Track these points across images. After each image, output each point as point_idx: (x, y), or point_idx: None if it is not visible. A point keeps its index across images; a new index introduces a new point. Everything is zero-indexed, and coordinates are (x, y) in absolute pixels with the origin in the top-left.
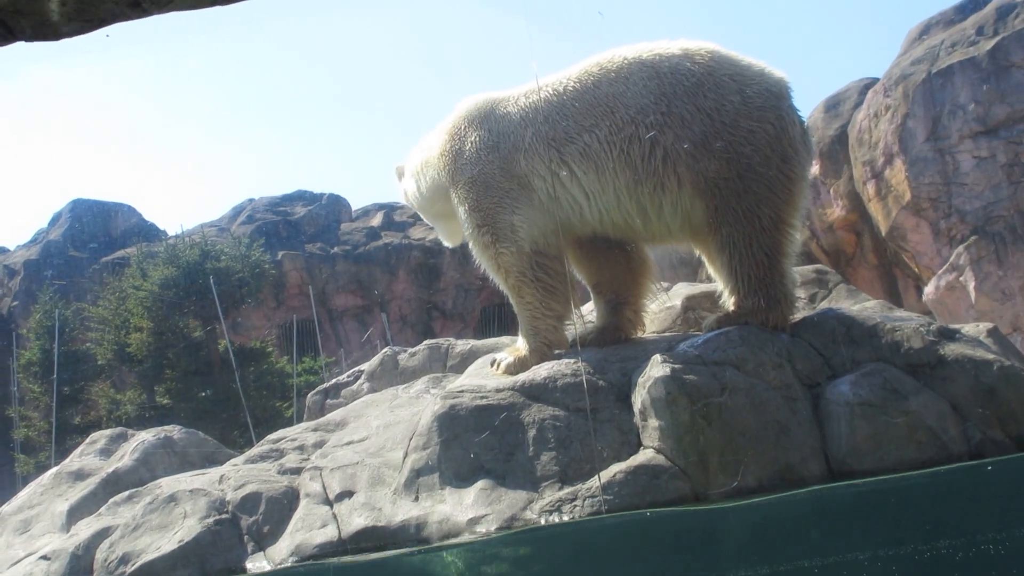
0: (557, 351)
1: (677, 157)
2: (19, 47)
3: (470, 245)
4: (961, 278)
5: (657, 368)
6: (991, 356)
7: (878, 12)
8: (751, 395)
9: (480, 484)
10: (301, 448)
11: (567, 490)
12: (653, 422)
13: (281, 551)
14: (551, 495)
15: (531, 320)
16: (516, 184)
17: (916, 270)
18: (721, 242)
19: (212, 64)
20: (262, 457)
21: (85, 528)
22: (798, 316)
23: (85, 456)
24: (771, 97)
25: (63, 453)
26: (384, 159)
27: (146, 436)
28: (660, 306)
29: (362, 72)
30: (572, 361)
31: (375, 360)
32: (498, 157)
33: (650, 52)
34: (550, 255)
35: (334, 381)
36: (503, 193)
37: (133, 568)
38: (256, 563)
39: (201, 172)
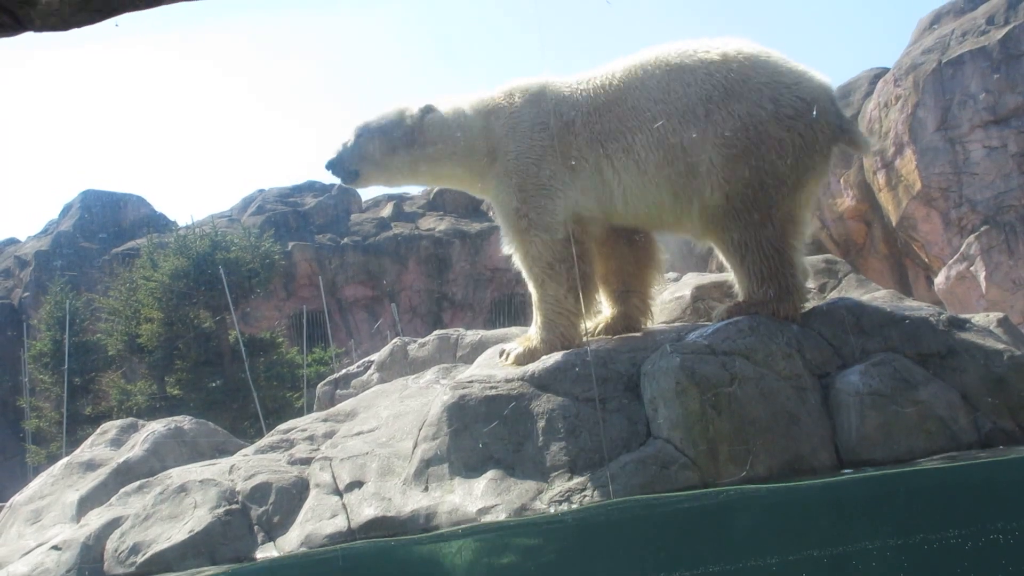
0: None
1: (711, 164)
2: (29, 37)
3: (503, 228)
4: (971, 268)
5: (667, 358)
6: (1001, 346)
7: (888, 1)
8: (761, 385)
9: (490, 474)
10: (311, 438)
11: (577, 480)
12: (663, 412)
13: (291, 541)
14: (561, 485)
15: (548, 314)
16: (562, 168)
17: (926, 260)
18: (731, 236)
19: (223, 55)
20: (272, 447)
21: (96, 518)
22: (808, 306)
23: (96, 446)
24: (803, 106)
25: (74, 443)
26: None
27: (156, 426)
28: (670, 296)
29: (373, 62)
30: (581, 351)
31: (385, 350)
32: (548, 136)
33: (692, 56)
34: (582, 246)
35: (344, 371)
36: (549, 175)
37: (144, 558)
38: (266, 553)
39: (211, 163)
